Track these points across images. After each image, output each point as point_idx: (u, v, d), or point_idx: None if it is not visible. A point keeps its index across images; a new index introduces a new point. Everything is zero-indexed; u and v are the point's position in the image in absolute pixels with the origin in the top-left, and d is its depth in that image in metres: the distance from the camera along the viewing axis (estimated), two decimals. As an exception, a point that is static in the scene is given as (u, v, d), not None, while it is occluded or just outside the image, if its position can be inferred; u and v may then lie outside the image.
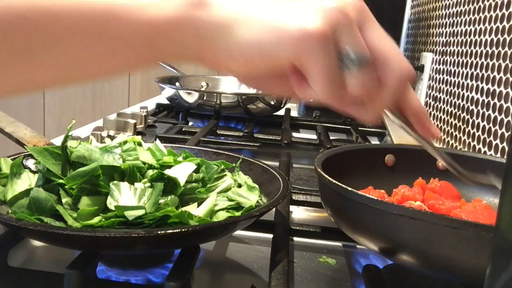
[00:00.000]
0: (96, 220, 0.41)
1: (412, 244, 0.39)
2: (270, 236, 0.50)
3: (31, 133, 0.61)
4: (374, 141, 1.10)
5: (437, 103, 1.15)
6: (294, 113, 1.29)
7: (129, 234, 0.37)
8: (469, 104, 0.95)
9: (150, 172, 0.49)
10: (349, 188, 0.42)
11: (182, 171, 0.49)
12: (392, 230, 0.40)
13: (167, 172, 0.48)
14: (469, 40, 0.99)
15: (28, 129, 0.62)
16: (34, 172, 0.50)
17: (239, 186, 0.54)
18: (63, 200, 0.44)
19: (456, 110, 1.01)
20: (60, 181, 0.45)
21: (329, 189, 0.45)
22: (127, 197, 0.44)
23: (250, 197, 0.49)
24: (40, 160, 0.46)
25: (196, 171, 0.52)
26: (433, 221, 0.37)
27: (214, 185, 0.51)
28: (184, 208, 0.45)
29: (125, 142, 0.53)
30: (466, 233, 0.36)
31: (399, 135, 0.70)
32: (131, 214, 0.40)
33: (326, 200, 0.49)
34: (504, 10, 0.83)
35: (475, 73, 0.94)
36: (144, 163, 0.50)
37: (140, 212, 0.41)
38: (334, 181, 0.44)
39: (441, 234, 0.37)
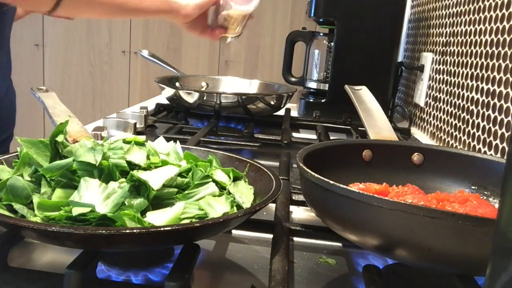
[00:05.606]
0: (56, 213, 0.41)
1: (392, 235, 0.40)
2: (270, 236, 0.50)
3: (79, 128, 0.63)
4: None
5: (437, 103, 1.15)
6: (294, 113, 1.29)
7: (121, 231, 0.37)
8: (469, 104, 0.95)
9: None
10: (331, 182, 0.43)
11: (159, 175, 0.48)
12: (372, 221, 0.40)
13: (144, 174, 0.47)
14: (469, 40, 0.99)
15: (78, 125, 0.64)
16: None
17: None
18: (42, 190, 0.46)
19: (456, 110, 1.01)
20: (40, 170, 0.46)
21: (311, 183, 0.46)
22: (92, 194, 0.43)
23: (218, 208, 0.46)
24: (31, 152, 0.48)
25: (184, 175, 0.51)
26: (412, 212, 0.37)
27: (194, 192, 0.49)
28: (151, 213, 0.44)
29: (125, 141, 0.53)
30: (444, 222, 0.37)
31: (375, 131, 0.71)
32: (75, 210, 0.40)
33: (308, 194, 0.49)
34: (504, 10, 0.83)
35: (475, 73, 0.94)
36: (130, 163, 0.49)
37: (85, 209, 0.40)
38: (316, 175, 0.45)
39: (420, 224, 0.37)
